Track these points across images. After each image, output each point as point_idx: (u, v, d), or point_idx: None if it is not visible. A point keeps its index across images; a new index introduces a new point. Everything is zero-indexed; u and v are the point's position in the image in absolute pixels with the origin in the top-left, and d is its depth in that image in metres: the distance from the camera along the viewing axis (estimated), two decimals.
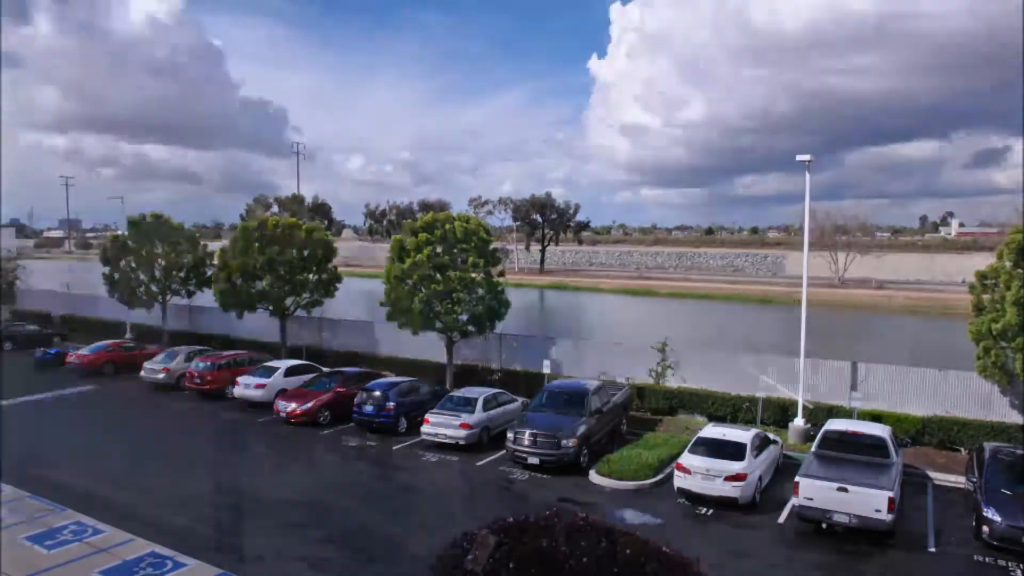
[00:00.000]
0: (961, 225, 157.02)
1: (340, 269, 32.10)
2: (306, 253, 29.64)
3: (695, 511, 15.67)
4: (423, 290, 24.83)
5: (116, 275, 34.61)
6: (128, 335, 37.34)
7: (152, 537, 13.71)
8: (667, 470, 17.48)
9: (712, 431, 17.23)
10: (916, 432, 19.53)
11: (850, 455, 15.57)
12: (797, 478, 14.51)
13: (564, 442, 17.88)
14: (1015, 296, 17.07)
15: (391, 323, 26.26)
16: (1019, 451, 15.93)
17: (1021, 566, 13.03)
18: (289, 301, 30.18)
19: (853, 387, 21.06)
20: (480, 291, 25.18)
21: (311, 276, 30.28)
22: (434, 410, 20.57)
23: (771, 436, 18.21)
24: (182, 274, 35.12)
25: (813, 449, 16.21)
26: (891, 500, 13.59)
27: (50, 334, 37.61)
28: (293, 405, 22.51)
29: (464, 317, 25.14)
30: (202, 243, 36.69)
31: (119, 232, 37.52)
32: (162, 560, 12.79)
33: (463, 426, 19.78)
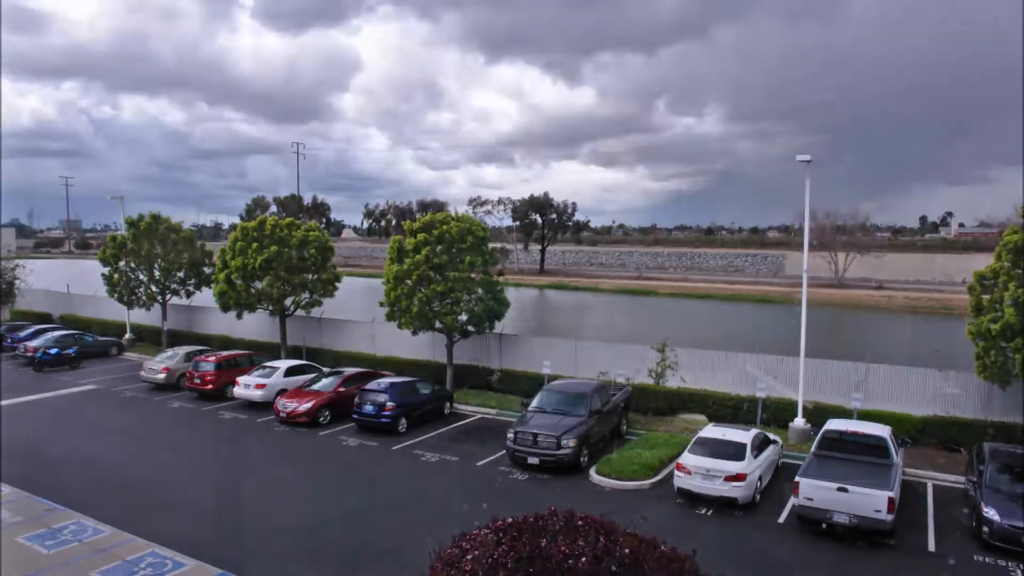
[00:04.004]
0: (961, 225, 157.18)
1: (340, 269, 32.13)
2: (304, 254, 29.64)
3: (695, 511, 15.68)
4: (422, 290, 24.85)
5: (115, 275, 34.65)
6: (128, 335, 37.36)
7: (152, 537, 13.72)
8: (667, 470, 17.50)
9: (712, 431, 17.24)
10: (916, 432, 19.53)
11: (850, 455, 15.57)
12: (797, 478, 14.51)
13: (564, 442, 17.88)
14: (1013, 296, 17.06)
15: (391, 323, 26.27)
16: (1019, 451, 15.95)
17: (1021, 566, 13.03)
18: (288, 301, 30.19)
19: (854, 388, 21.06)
20: (479, 291, 25.20)
21: (310, 276, 30.30)
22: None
23: (771, 436, 18.21)
24: (181, 274, 35.18)
25: (813, 449, 16.21)
26: (891, 500, 13.59)
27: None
28: (293, 405, 22.51)
29: (463, 317, 25.16)
30: (200, 242, 36.71)
31: (118, 232, 37.51)
32: (162, 560, 12.80)
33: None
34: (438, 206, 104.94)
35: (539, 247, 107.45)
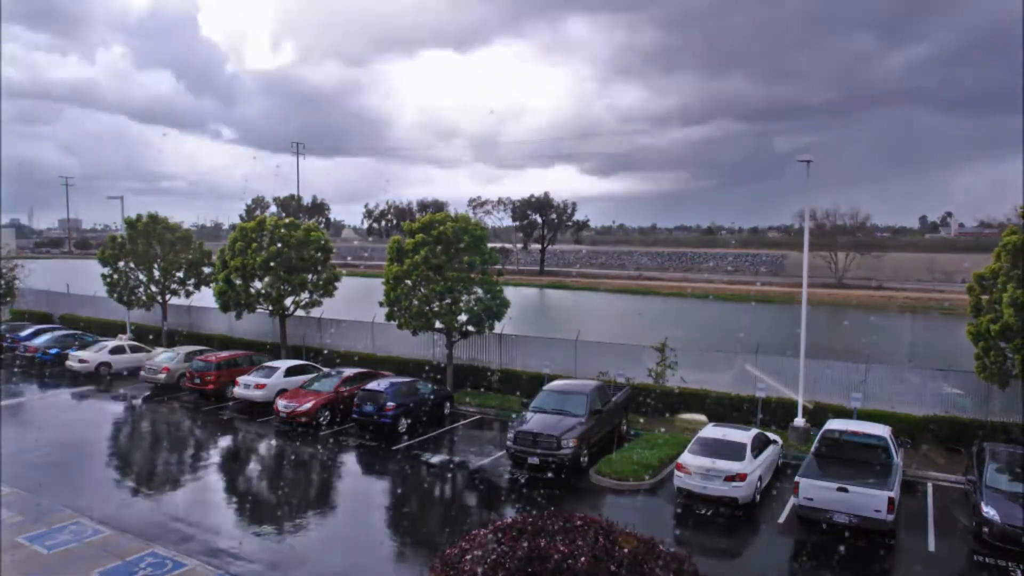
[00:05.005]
0: (961, 225, 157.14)
1: (339, 269, 32.13)
2: (304, 254, 29.64)
3: (695, 511, 15.68)
4: (422, 290, 24.84)
5: (115, 275, 34.65)
6: (128, 335, 37.34)
7: (152, 537, 13.73)
8: (667, 470, 17.49)
9: (712, 431, 17.23)
10: (916, 432, 19.52)
11: (850, 455, 15.57)
12: (797, 478, 14.51)
13: (564, 442, 17.86)
14: (1012, 297, 17.05)
15: (390, 323, 26.27)
16: (1019, 451, 15.94)
17: (1021, 566, 13.03)
18: (288, 301, 30.19)
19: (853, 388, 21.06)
20: (478, 291, 25.19)
21: (310, 276, 30.30)
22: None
23: (771, 436, 18.21)
24: (180, 274, 35.18)
25: (813, 449, 16.21)
26: (891, 500, 13.59)
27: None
28: (293, 405, 22.51)
29: (463, 317, 25.16)
30: (198, 242, 36.69)
31: (118, 232, 37.50)
32: (162, 560, 12.80)
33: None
34: (438, 206, 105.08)
35: (539, 247, 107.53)
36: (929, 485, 17.31)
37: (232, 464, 19.69)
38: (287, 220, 31.01)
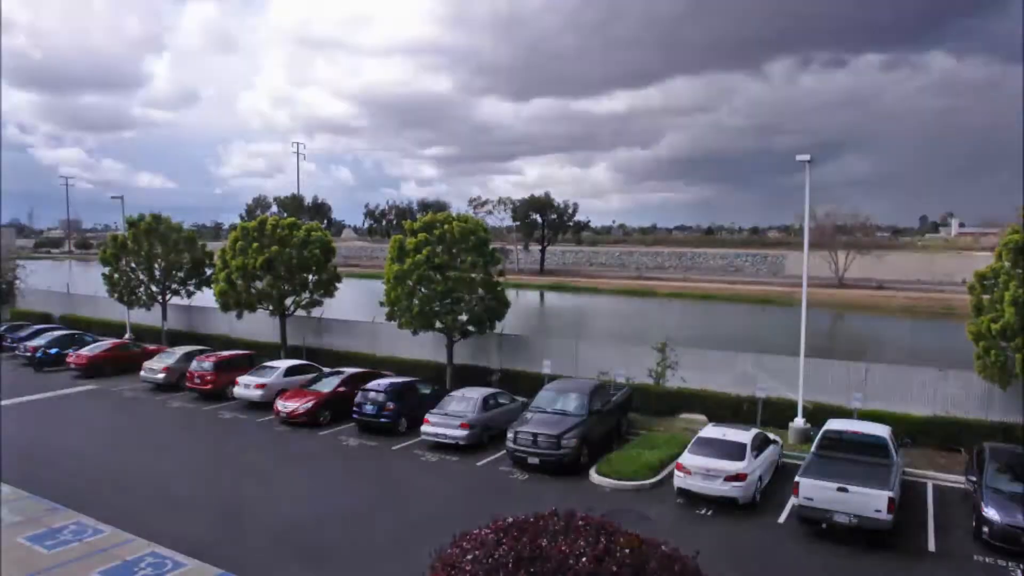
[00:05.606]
0: (961, 225, 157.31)
1: (340, 269, 32.12)
2: (305, 253, 29.64)
3: (695, 511, 15.67)
4: (423, 290, 24.84)
5: (116, 275, 34.65)
6: (128, 335, 37.34)
7: (152, 537, 13.72)
8: (667, 470, 17.49)
9: (712, 431, 17.24)
10: (916, 432, 19.53)
11: (850, 455, 15.56)
12: (797, 478, 14.51)
13: (564, 442, 17.88)
14: (1013, 296, 17.06)
15: (391, 323, 26.27)
16: (1019, 451, 15.96)
17: (1021, 566, 13.03)
18: (289, 301, 30.19)
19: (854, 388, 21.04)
20: (479, 291, 25.20)
21: (310, 276, 30.29)
22: (434, 410, 20.56)
23: (771, 436, 18.21)
24: (181, 274, 35.19)
25: (813, 449, 16.20)
26: (891, 500, 13.58)
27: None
28: (293, 405, 22.51)
29: (464, 317, 25.16)
30: (200, 243, 36.72)
31: (119, 232, 37.51)
32: (162, 560, 12.81)
33: (463, 426, 19.79)
34: (439, 206, 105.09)
35: (539, 247, 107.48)
36: (929, 485, 17.31)
37: (230, 463, 19.65)
38: (289, 220, 31.01)
